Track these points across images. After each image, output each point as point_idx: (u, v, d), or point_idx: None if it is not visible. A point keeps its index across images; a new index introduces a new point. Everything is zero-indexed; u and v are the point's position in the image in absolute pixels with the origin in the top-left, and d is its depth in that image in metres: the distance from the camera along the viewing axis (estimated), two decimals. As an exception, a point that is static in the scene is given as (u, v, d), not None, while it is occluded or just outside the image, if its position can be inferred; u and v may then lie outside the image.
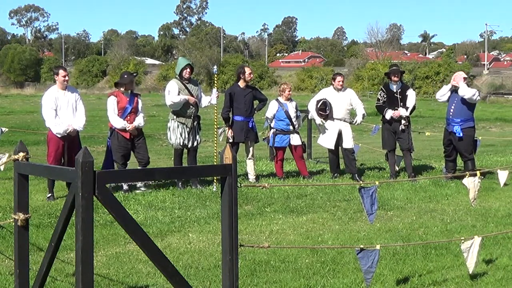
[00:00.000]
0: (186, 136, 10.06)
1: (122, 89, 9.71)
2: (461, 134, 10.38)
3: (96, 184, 3.55)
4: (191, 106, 10.05)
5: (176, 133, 10.07)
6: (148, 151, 10.06)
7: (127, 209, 4.01)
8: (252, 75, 10.71)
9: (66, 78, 9.14)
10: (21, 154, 4.26)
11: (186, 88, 10.04)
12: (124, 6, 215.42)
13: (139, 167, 9.48)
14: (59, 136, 8.99)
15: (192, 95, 10.05)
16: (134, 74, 10.42)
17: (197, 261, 6.13)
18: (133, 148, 9.74)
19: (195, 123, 10.17)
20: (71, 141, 9.09)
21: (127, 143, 9.64)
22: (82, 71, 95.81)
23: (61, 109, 9.06)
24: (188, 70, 10.09)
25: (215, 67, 10.84)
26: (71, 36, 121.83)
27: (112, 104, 9.60)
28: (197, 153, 10.46)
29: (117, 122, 9.57)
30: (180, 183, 10.00)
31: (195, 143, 10.21)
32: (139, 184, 9.79)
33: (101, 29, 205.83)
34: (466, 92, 10.31)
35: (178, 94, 9.96)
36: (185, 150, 10.32)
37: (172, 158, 12.94)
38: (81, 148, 9.70)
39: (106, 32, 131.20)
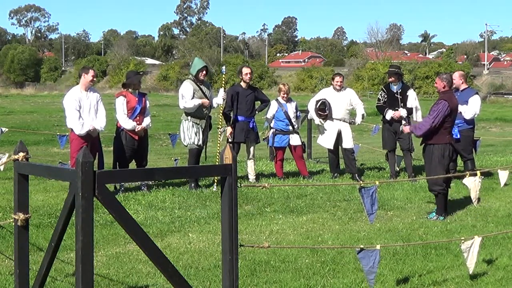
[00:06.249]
0: (201, 136, 10.04)
1: (130, 89, 9.70)
2: (458, 136, 10.34)
3: (96, 184, 3.55)
4: (204, 108, 10.02)
5: (190, 132, 10.01)
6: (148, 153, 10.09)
7: (127, 209, 4.01)
8: (249, 75, 10.61)
9: (94, 79, 9.22)
10: (21, 154, 4.26)
11: (200, 89, 10.01)
12: (124, 6, 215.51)
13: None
14: (81, 136, 9.03)
15: (206, 96, 10.03)
16: (141, 73, 10.33)
17: (197, 261, 6.13)
18: (137, 150, 9.73)
19: (207, 124, 10.17)
20: (93, 141, 9.12)
21: (134, 144, 9.64)
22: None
23: (84, 110, 9.10)
24: (204, 72, 10.03)
25: (223, 67, 10.81)
26: (71, 36, 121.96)
27: (121, 105, 9.55)
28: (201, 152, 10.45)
29: (127, 124, 9.53)
30: (192, 184, 9.91)
31: (205, 142, 10.22)
32: (143, 188, 9.76)
33: (101, 29, 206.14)
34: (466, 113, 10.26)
35: (193, 96, 9.91)
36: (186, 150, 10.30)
37: (173, 158, 13.04)
38: (101, 149, 9.78)
39: (106, 32, 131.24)
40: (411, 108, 10.97)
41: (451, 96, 8.16)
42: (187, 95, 9.91)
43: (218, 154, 9.64)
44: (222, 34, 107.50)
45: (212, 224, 7.62)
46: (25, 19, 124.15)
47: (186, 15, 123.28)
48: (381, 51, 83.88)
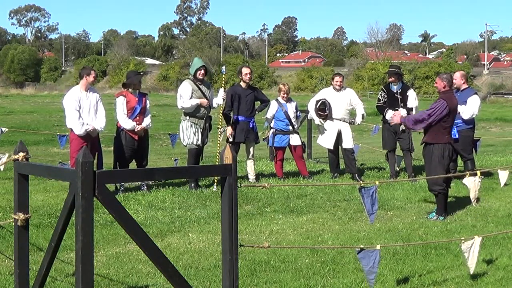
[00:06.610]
0: (200, 136, 10.03)
1: (130, 89, 9.69)
2: (456, 136, 10.33)
3: (96, 184, 3.55)
4: (203, 108, 10.02)
5: (189, 132, 10.00)
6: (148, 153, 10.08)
7: (127, 209, 4.01)
8: (249, 76, 10.60)
9: (95, 80, 9.35)
10: (21, 154, 4.26)
11: (199, 89, 9.99)
12: (124, 6, 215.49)
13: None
14: (81, 136, 9.03)
15: (205, 96, 10.02)
16: (141, 73, 10.32)
17: (197, 261, 6.13)
18: (138, 150, 9.73)
19: (207, 124, 10.16)
20: (93, 141, 9.14)
21: (134, 144, 9.65)
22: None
23: (83, 110, 9.12)
24: (203, 71, 10.01)
25: (223, 67, 10.79)
26: (71, 36, 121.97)
27: (121, 105, 9.55)
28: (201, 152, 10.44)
29: (127, 123, 9.53)
30: (192, 184, 9.90)
31: (204, 142, 10.21)
32: (143, 188, 9.76)
33: (101, 29, 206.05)
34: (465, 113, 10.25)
35: (191, 96, 9.90)
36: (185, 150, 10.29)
37: (173, 158, 13.03)
38: (101, 149, 9.81)
39: (106, 32, 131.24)
40: (411, 108, 10.96)
41: (451, 96, 8.16)
42: (185, 95, 9.91)
43: (218, 154, 9.65)
44: (222, 34, 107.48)
45: (212, 224, 7.61)
46: (25, 19, 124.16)
47: (186, 15, 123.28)
48: (381, 51, 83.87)
